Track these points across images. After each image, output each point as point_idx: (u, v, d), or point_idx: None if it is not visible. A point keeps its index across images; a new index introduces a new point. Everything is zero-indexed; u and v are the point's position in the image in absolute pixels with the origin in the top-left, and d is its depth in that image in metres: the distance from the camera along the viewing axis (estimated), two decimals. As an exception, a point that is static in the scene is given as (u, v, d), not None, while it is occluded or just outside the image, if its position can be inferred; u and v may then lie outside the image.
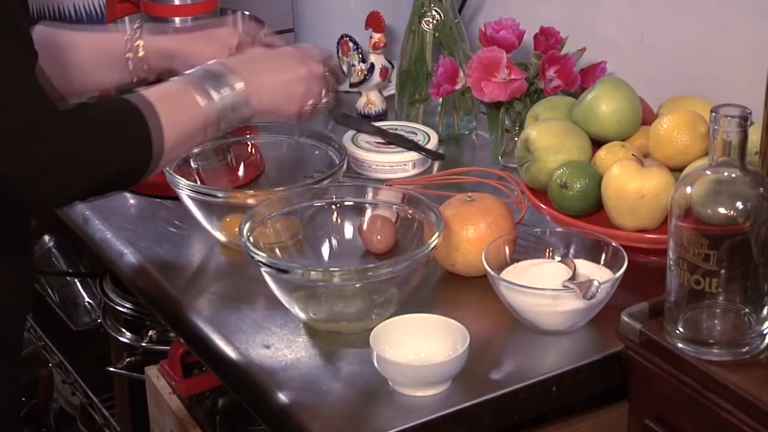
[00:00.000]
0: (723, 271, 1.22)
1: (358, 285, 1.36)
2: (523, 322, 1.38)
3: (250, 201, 1.51)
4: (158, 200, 1.72)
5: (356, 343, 1.35)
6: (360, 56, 1.98)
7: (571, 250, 1.44)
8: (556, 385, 1.31)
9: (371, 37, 1.96)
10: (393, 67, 2.00)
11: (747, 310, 1.24)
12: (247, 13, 1.88)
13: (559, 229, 1.49)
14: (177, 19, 1.74)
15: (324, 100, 1.49)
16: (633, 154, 1.52)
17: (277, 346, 1.38)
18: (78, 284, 2.35)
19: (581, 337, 1.37)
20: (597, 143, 1.59)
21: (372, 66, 1.97)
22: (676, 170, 1.49)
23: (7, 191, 1.23)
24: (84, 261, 2.31)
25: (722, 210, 1.22)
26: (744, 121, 1.19)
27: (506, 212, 1.49)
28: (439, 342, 1.31)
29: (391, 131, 1.84)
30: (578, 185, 1.51)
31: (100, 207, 1.72)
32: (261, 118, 1.73)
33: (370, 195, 1.51)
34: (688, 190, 1.23)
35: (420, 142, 1.81)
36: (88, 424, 2.29)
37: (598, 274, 1.37)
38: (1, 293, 1.33)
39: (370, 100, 1.99)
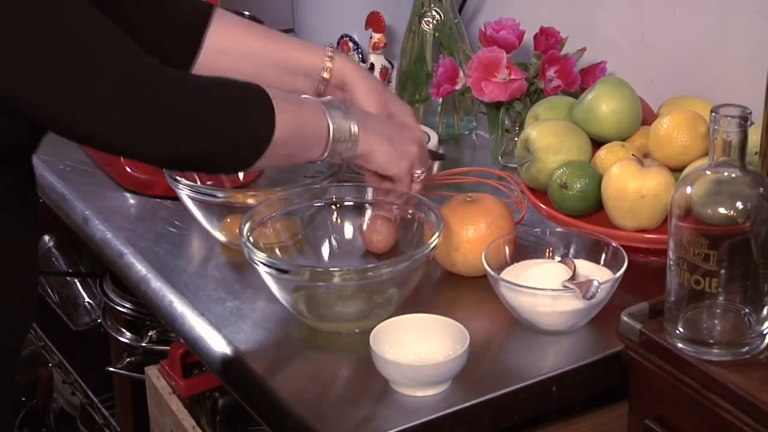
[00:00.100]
0: (723, 271, 1.22)
1: (358, 285, 1.36)
2: (523, 322, 1.38)
3: (250, 201, 1.51)
4: (158, 200, 1.72)
5: (356, 343, 1.35)
6: (360, 56, 1.98)
7: (571, 250, 1.44)
8: (556, 385, 1.31)
9: (371, 37, 1.96)
10: (393, 67, 2.00)
11: (747, 310, 1.24)
12: (247, 13, 1.89)
13: (559, 229, 1.49)
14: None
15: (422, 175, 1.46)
16: (633, 154, 1.52)
17: (277, 346, 1.38)
18: (78, 284, 2.35)
19: (581, 337, 1.37)
20: (597, 143, 1.59)
21: (372, 66, 1.97)
22: (676, 170, 1.49)
23: (122, 146, 1.21)
24: (84, 261, 2.31)
25: (722, 210, 1.22)
26: (744, 121, 1.19)
27: (506, 212, 1.49)
28: (439, 342, 1.31)
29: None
30: (578, 185, 1.51)
31: (100, 207, 1.72)
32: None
33: (370, 195, 1.51)
34: (688, 190, 1.23)
35: (420, 142, 1.81)
36: (88, 424, 2.29)
37: (598, 274, 1.37)
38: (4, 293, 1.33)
39: (370, 100, 1.99)
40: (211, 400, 1.65)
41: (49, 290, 2.35)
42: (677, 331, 1.26)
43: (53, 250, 2.33)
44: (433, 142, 1.82)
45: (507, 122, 1.78)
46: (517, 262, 1.43)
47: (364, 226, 1.51)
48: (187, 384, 1.63)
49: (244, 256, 1.38)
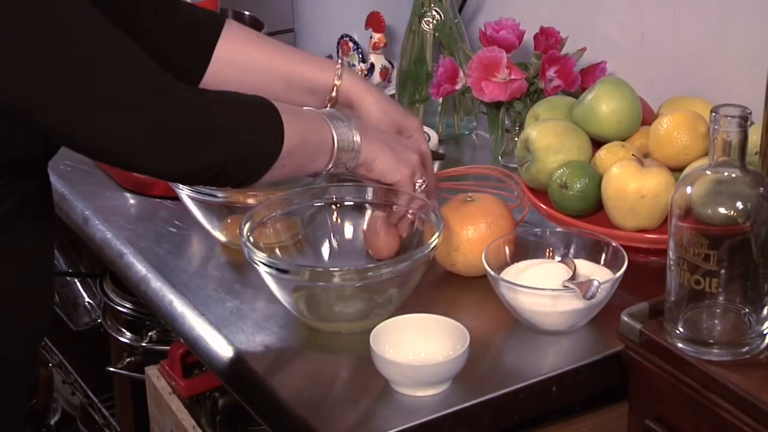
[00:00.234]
0: (723, 271, 1.22)
1: (358, 285, 1.36)
2: (523, 322, 1.38)
3: (250, 201, 1.51)
4: (158, 200, 1.72)
5: (356, 343, 1.35)
6: (360, 56, 1.98)
7: (571, 250, 1.44)
8: (556, 385, 1.31)
9: (371, 37, 1.96)
10: (393, 67, 2.00)
11: (747, 310, 1.24)
12: (247, 13, 1.89)
13: (559, 229, 1.49)
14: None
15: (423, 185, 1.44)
16: (633, 154, 1.52)
17: (277, 346, 1.38)
18: (78, 284, 2.35)
19: (581, 337, 1.37)
20: (597, 143, 1.59)
21: (372, 66, 1.97)
22: (676, 170, 1.49)
23: (131, 160, 1.22)
24: (84, 261, 2.31)
25: (722, 210, 1.22)
26: (744, 121, 1.19)
27: (506, 212, 1.49)
28: (439, 342, 1.31)
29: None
30: (578, 185, 1.51)
31: (100, 207, 1.72)
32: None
33: (370, 195, 1.51)
34: (688, 190, 1.23)
35: (420, 142, 1.81)
36: (88, 424, 2.29)
37: (598, 274, 1.37)
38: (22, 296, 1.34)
39: (370, 100, 1.99)
40: (211, 400, 1.65)
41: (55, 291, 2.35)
42: (677, 331, 1.26)
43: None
44: (433, 142, 1.82)
45: (507, 122, 1.78)
46: (517, 262, 1.43)
47: (368, 231, 1.50)
48: (187, 384, 1.63)
49: (244, 256, 1.38)
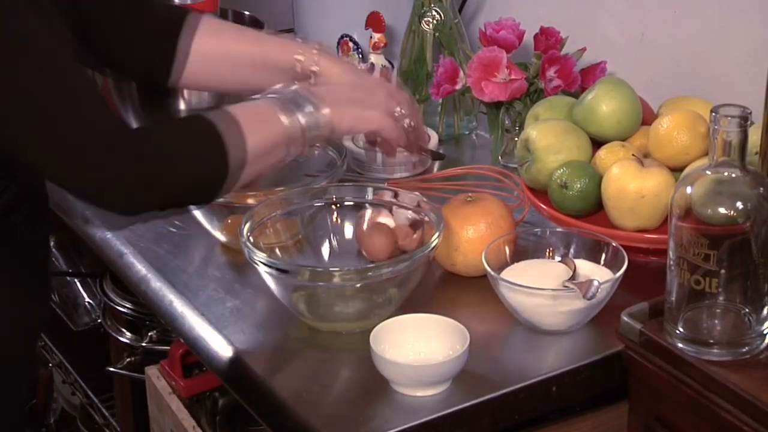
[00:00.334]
0: (723, 271, 1.22)
1: (358, 285, 1.35)
2: (523, 322, 1.38)
3: (250, 201, 1.51)
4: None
5: (356, 343, 1.35)
6: (360, 56, 1.98)
7: (571, 250, 1.44)
8: (556, 385, 1.31)
9: (371, 37, 1.96)
10: (393, 67, 2.00)
11: (747, 310, 1.24)
12: (247, 13, 1.89)
13: (559, 229, 1.49)
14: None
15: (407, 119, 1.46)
16: (633, 154, 1.52)
17: (277, 346, 1.38)
18: (78, 284, 2.35)
19: (581, 337, 1.37)
20: (597, 143, 1.59)
21: (372, 66, 1.97)
22: (676, 170, 1.49)
23: (90, 203, 1.29)
24: (84, 261, 2.31)
25: (722, 210, 1.22)
26: (744, 121, 1.19)
27: (506, 212, 1.49)
28: (439, 342, 1.31)
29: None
30: (578, 185, 1.51)
31: (100, 207, 1.72)
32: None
33: (370, 195, 1.51)
34: (688, 190, 1.23)
35: (420, 142, 1.81)
36: (88, 424, 2.29)
37: (598, 274, 1.37)
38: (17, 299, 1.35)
39: (370, 100, 1.99)
40: (211, 400, 1.65)
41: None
42: (677, 331, 1.26)
43: (53, 250, 2.33)
44: (433, 142, 1.82)
45: (507, 122, 1.78)
46: (517, 262, 1.43)
47: (361, 232, 1.50)
48: (187, 384, 1.63)
49: (244, 256, 1.38)
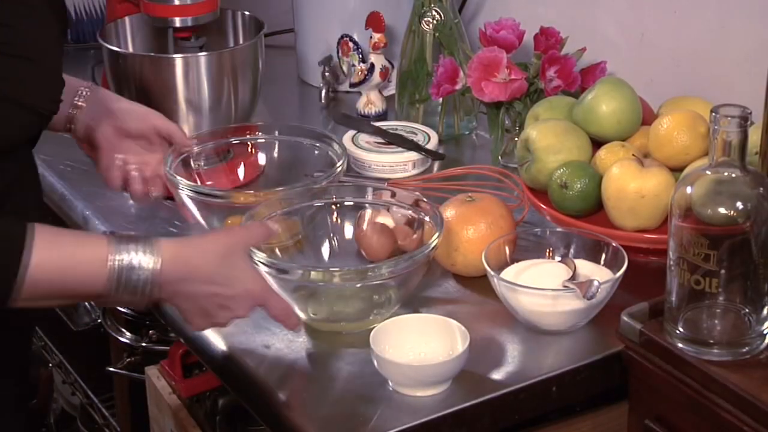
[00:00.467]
0: (723, 271, 1.22)
1: (358, 285, 1.35)
2: (523, 322, 1.38)
3: (250, 201, 1.51)
4: (146, 202, 1.71)
5: (356, 343, 1.35)
6: (360, 56, 1.98)
7: (571, 250, 1.44)
8: (556, 385, 1.31)
9: (371, 37, 1.96)
10: (393, 67, 2.00)
11: (747, 310, 1.24)
12: (247, 13, 1.88)
13: (559, 229, 1.49)
14: (177, 19, 1.74)
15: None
16: (633, 154, 1.52)
17: (277, 346, 1.38)
18: (78, 284, 2.35)
19: (581, 337, 1.37)
20: (597, 143, 1.59)
21: (372, 66, 1.97)
22: (676, 170, 1.49)
23: None
24: (84, 261, 2.30)
25: (722, 210, 1.22)
26: (744, 121, 1.19)
27: (506, 212, 1.49)
28: (439, 342, 1.31)
29: (391, 131, 1.84)
30: (578, 185, 1.51)
31: (100, 207, 1.72)
32: (260, 118, 1.73)
33: (370, 195, 1.51)
34: (688, 190, 1.23)
35: (420, 142, 1.81)
36: (88, 424, 2.29)
37: (598, 274, 1.37)
38: None
39: (370, 100, 1.99)
40: (211, 400, 1.65)
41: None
42: (677, 331, 1.26)
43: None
44: (433, 142, 1.82)
45: (507, 122, 1.78)
46: (517, 262, 1.43)
47: (360, 232, 1.50)
48: (187, 384, 1.63)
49: None
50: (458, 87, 1.81)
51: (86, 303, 2.30)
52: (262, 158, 1.72)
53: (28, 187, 1.36)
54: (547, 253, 1.46)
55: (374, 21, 1.96)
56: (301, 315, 1.39)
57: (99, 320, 2.08)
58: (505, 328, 1.39)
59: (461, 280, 1.48)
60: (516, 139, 1.72)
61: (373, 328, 1.31)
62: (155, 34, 1.84)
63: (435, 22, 1.90)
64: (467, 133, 1.94)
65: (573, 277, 1.37)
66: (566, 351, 1.35)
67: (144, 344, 1.92)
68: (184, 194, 1.55)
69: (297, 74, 2.19)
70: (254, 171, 1.73)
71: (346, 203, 1.52)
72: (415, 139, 1.82)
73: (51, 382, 2.45)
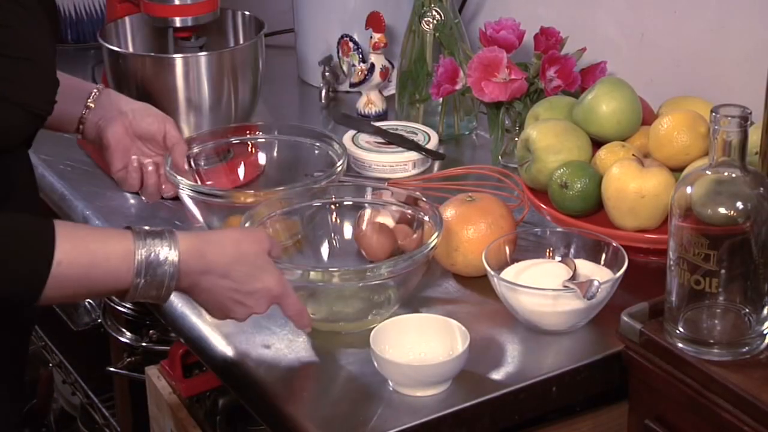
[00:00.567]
0: (723, 271, 1.22)
1: (357, 285, 1.35)
2: (523, 322, 1.38)
3: (250, 201, 1.51)
4: (158, 200, 1.71)
5: (356, 343, 1.35)
6: (360, 56, 1.98)
7: (571, 250, 1.44)
8: (556, 385, 1.31)
9: (371, 37, 1.96)
10: (393, 67, 2.00)
11: (747, 310, 1.24)
12: (247, 13, 1.89)
13: (559, 229, 1.49)
14: (177, 19, 1.74)
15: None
16: (633, 154, 1.52)
17: (277, 346, 1.38)
18: (78, 284, 2.34)
19: (581, 337, 1.37)
20: (597, 143, 1.59)
21: (372, 66, 1.97)
22: (676, 170, 1.49)
23: None
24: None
25: (722, 210, 1.22)
26: (744, 121, 1.19)
27: (506, 212, 1.49)
28: (439, 342, 1.31)
29: (391, 131, 1.84)
30: (578, 185, 1.51)
31: (101, 207, 1.72)
32: (260, 118, 1.73)
33: (369, 195, 1.51)
34: (688, 190, 1.23)
35: (420, 142, 1.81)
36: (89, 424, 2.29)
37: (599, 274, 1.37)
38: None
39: (370, 100, 1.99)
40: (211, 400, 1.65)
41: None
42: (677, 331, 1.26)
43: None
44: (433, 142, 1.82)
45: (507, 122, 1.78)
46: (517, 262, 1.43)
47: (360, 232, 1.50)
48: (187, 384, 1.63)
49: None
50: (458, 87, 1.81)
51: (86, 303, 2.31)
52: (262, 158, 1.72)
53: (24, 188, 1.36)
54: (547, 253, 1.46)
55: (374, 21, 1.96)
56: None
57: (99, 320, 2.08)
58: (505, 328, 1.39)
59: (461, 280, 1.48)
60: (516, 139, 1.72)
61: (373, 328, 1.31)
62: (155, 34, 1.84)
63: (435, 22, 1.90)
64: (467, 133, 1.94)
65: (573, 277, 1.37)
66: (566, 351, 1.35)
67: (144, 344, 1.92)
68: (185, 194, 1.55)
69: (297, 74, 2.19)
70: (254, 171, 1.73)
71: (345, 203, 1.52)
72: (415, 139, 1.82)
73: (51, 382, 2.45)
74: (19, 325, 1.37)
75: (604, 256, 1.42)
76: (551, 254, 1.45)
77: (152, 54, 1.82)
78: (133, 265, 1.20)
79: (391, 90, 2.02)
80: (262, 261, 1.29)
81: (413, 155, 1.79)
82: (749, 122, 1.20)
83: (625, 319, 1.32)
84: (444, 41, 1.90)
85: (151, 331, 1.92)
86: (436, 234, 1.38)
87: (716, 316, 1.25)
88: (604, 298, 1.35)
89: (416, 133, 1.84)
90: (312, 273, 1.35)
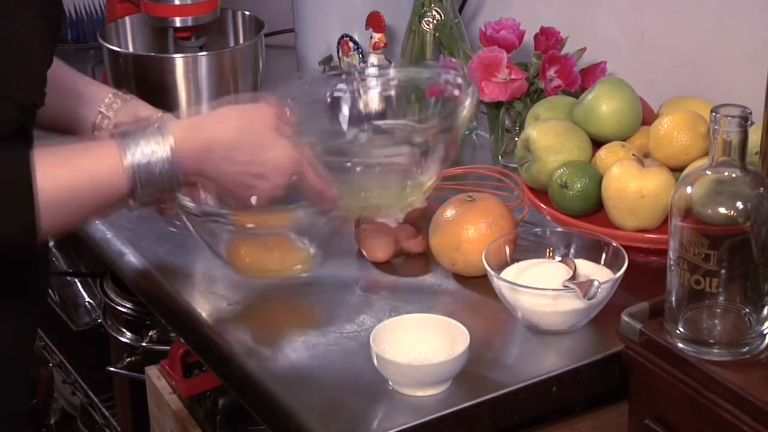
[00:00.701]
0: (723, 271, 1.22)
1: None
2: (523, 322, 1.38)
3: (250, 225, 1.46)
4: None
5: (356, 342, 1.35)
6: (360, 56, 1.98)
7: (572, 250, 1.44)
8: (556, 385, 1.31)
9: (371, 37, 1.96)
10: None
11: (747, 310, 1.24)
12: (247, 13, 1.89)
13: (559, 229, 1.49)
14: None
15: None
16: (633, 154, 1.52)
17: (277, 346, 1.38)
18: (78, 284, 2.35)
19: (581, 337, 1.37)
20: (597, 143, 1.59)
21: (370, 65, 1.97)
22: (676, 170, 1.49)
23: None
24: (84, 261, 2.31)
25: (722, 210, 1.22)
26: (744, 121, 1.19)
27: (506, 212, 1.49)
28: (439, 342, 1.31)
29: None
30: (578, 185, 1.51)
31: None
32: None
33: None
34: (688, 190, 1.23)
35: (420, 142, 1.81)
36: (89, 424, 2.29)
37: (599, 274, 1.37)
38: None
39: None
40: (211, 400, 1.65)
41: (49, 290, 2.35)
42: (677, 331, 1.26)
43: (53, 250, 2.33)
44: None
45: (507, 122, 1.78)
46: (517, 262, 1.43)
47: (362, 234, 1.50)
48: (187, 384, 1.63)
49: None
50: (458, 87, 1.81)
51: (86, 303, 2.31)
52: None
53: None
54: (548, 253, 1.46)
55: (374, 21, 1.96)
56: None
57: (99, 320, 2.08)
58: (505, 328, 1.39)
59: (461, 280, 1.48)
60: (516, 139, 1.72)
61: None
62: (155, 34, 1.85)
63: (435, 22, 1.90)
64: (467, 133, 1.94)
65: (573, 277, 1.37)
66: (566, 351, 1.35)
67: (144, 344, 1.92)
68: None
69: (297, 74, 2.19)
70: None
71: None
72: (415, 139, 1.82)
73: (51, 382, 2.45)
74: (28, 318, 1.37)
75: (604, 256, 1.42)
76: (551, 254, 1.45)
77: (152, 54, 1.82)
78: (123, 174, 1.15)
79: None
80: (269, 138, 1.21)
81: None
82: (749, 122, 1.20)
83: (625, 319, 1.32)
84: (444, 41, 1.90)
85: (151, 331, 1.92)
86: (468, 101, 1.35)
87: (716, 316, 1.25)
88: (604, 298, 1.35)
89: (416, 133, 1.84)
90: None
